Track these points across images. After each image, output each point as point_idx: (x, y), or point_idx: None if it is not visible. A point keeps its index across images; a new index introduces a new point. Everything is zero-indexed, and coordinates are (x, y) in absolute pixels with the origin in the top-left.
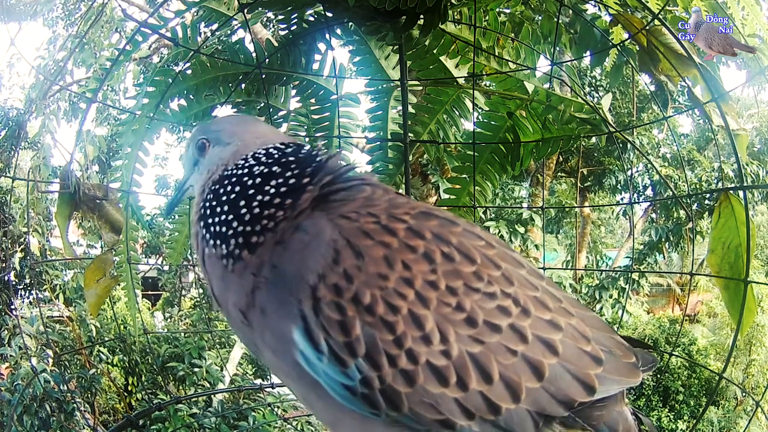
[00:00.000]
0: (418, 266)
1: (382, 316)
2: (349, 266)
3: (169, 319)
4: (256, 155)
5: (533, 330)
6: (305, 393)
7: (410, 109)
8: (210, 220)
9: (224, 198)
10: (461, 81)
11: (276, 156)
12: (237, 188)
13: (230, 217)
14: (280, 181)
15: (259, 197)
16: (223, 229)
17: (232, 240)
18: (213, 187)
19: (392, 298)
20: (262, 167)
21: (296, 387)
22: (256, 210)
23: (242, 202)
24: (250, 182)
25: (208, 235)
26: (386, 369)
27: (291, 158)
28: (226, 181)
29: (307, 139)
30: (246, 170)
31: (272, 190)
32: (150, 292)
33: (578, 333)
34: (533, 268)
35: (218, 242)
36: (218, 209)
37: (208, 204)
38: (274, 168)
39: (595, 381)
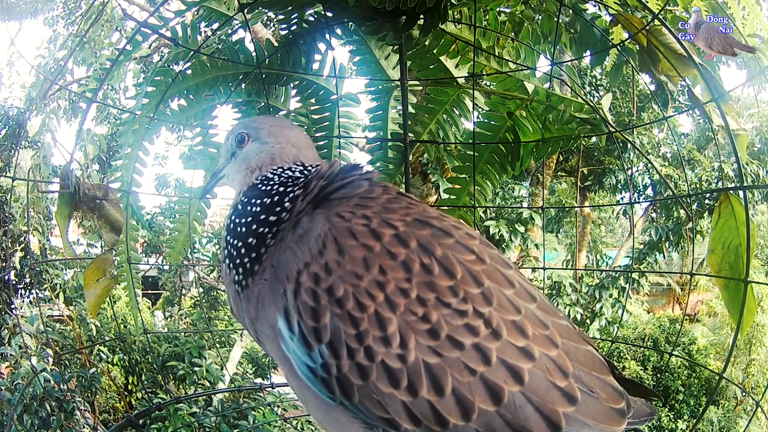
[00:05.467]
0: (394, 272)
1: (350, 311)
2: (331, 260)
3: (169, 319)
4: (289, 169)
5: (500, 354)
6: (287, 373)
7: (410, 109)
8: (230, 239)
9: (244, 220)
10: (461, 81)
11: (295, 174)
12: (256, 210)
13: (239, 243)
14: (286, 199)
15: (272, 218)
16: (234, 253)
17: (240, 268)
18: (242, 200)
19: (362, 296)
20: (287, 184)
21: (282, 369)
22: (264, 230)
23: (254, 227)
24: (267, 202)
25: (226, 253)
26: (344, 359)
27: (301, 177)
28: (253, 199)
29: None
30: (267, 190)
31: (278, 209)
32: (150, 291)
33: (555, 366)
34: (527, 289)
35: (231, 266)
36: (238, 229)
37: (234, 219)
38: (288, 188)
39: (561, 419)
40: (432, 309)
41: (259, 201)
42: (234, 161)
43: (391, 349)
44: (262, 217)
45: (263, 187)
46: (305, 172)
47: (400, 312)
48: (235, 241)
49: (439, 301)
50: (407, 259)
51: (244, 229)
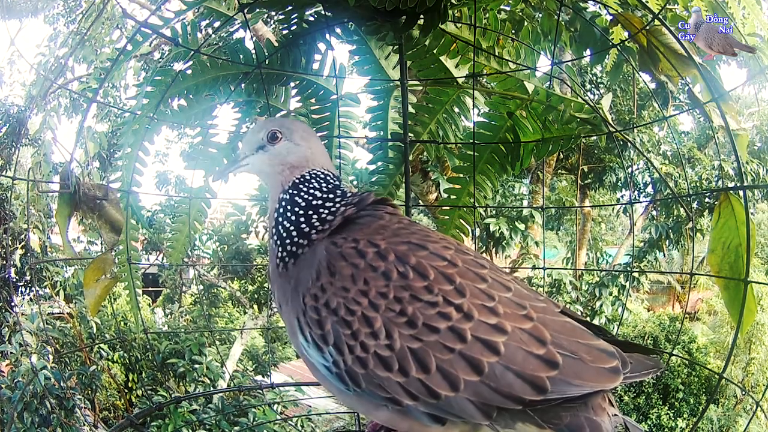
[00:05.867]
0: (375, 282)
1: (343, 317)
2: (325, 282)
3: (169, 316)
4: (323, 175)
5: (473, 332)
6: (309, 368)
7: (410, 109)
8: (281, 221)
9: (296, 208)
10: (461, 81)
11: (332, 183)
12: (307, 201)
13: (291, 227)
14: (329, 205)
15: (317, 215)
16: (284, 234)
17: (288, 247)
18: (291, 191)
19: (351, 304)
20: (323, 190)
21: (305, 362)
22: (314, 222)
23: (303, 217)
24: (314, 201)
25: (275, 235)
26: (347, 355)
27: (337, 191)
28: (302, 191)
29: None
30: (315, 185)
31: (323, 213)
32: (150, 289)
33: (530, 337)
34: (501, 283)
35: (278, 243)
36: (288, 215)
37: (284, 206)
38: (330, 195)
39: (545, 382)
40: (407, 304)
41: (305, 202)
42: (263, 154)
43: (380, 341)
44: (310, 212)
45: (306, 188)
46: (335, 182)
47: (382, 311)
48: (286, 224)
49: (414, 298)
50: (386, 270)
51: (293, 218)
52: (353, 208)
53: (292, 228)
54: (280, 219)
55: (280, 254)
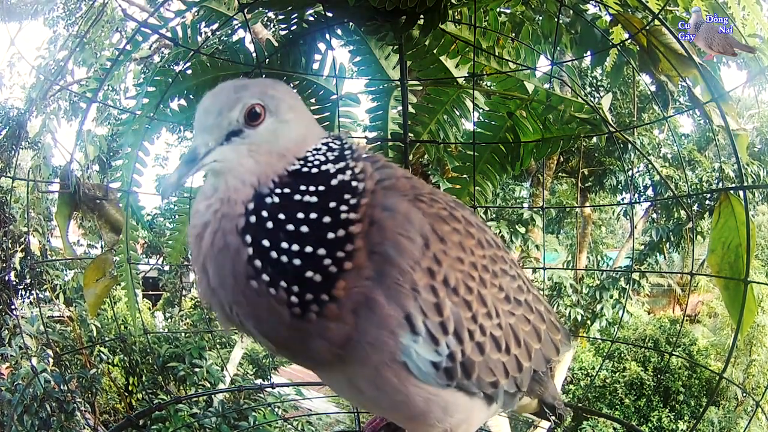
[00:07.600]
0: (478, 251)
1: (463, 296)
2: (438, 251)
3: (169, 319)
4: (328, 149)
5: (533, 303)
6: (385, 377)
7: (410, 109)
8: (274, 243)
9: (303, 213)
10: (461, 81)
11: (341, 151)
12: (317, 199)
13: (311, 243)
14: (354, 178)
15: (344, 207)
16: (298, 262)
17: (315, 278)
18: (282, 190)
19: (468, 279)
20: (338, 168)
21: (372, 376)
22: (342, 226)
23: (327, 219)
24: (331, 191)
25: (265, 267)
26: (467, 342)
27: (348, 152)
28: (302, 186)
29: None
30: (324, 172)
31: (352, 193)
32: (151, 292)
33: (546, 307)
34: None
35: (284, 284)
36: (293, 227)
37: (272, 214)
38: (347, 165)
39: (559, 344)
40: (501, 278)
41: (315, 189)
42: (239, 145)
43: (493, 320)
44: (333, 206)
45: (313, 170)
46: (342, 144)
47: (489, 286)
48: (294, 244)
49: (503, 271)
50: (479, 238)
51: (306, 227)
52: (369, 162)
53: (311, 247)
54: (273, 236)
55: (298, 298)
